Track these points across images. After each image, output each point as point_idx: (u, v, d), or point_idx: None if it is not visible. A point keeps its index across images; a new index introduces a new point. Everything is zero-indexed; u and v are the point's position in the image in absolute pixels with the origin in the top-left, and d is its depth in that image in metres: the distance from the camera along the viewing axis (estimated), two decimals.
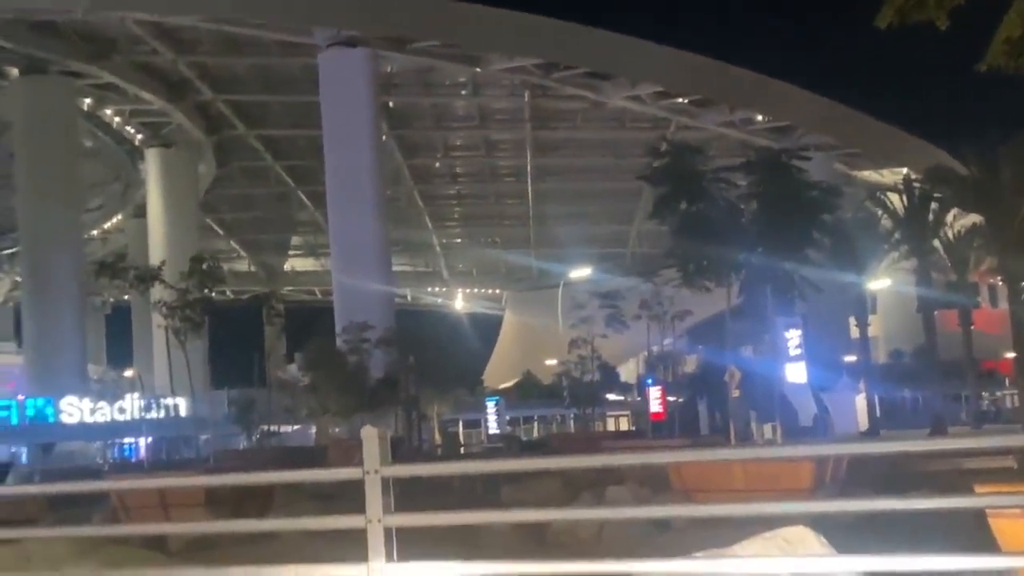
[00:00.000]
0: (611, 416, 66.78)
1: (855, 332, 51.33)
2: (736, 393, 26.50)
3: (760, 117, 68.50)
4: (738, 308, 24.12)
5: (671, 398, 46.59)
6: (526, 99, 71.87)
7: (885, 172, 69.11)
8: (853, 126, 65.60)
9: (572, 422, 59.18)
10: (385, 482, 5.83)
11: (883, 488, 14.30)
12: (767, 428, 26.75)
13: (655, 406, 43.68)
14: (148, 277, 31.55)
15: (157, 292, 33.71)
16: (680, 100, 68.85)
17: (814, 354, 48.01)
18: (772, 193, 20.31)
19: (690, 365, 53.40)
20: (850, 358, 54.34)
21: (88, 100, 69.45)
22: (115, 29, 62.16)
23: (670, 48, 64.03)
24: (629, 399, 68.53)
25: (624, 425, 66.79)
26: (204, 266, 31.14)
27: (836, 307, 50.70)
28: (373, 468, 5.86)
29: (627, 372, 73.69)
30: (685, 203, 20.32)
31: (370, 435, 5.91)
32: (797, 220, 20.31)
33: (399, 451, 31.41)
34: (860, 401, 51.01)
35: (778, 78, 64.91)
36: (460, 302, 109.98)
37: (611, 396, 63.47)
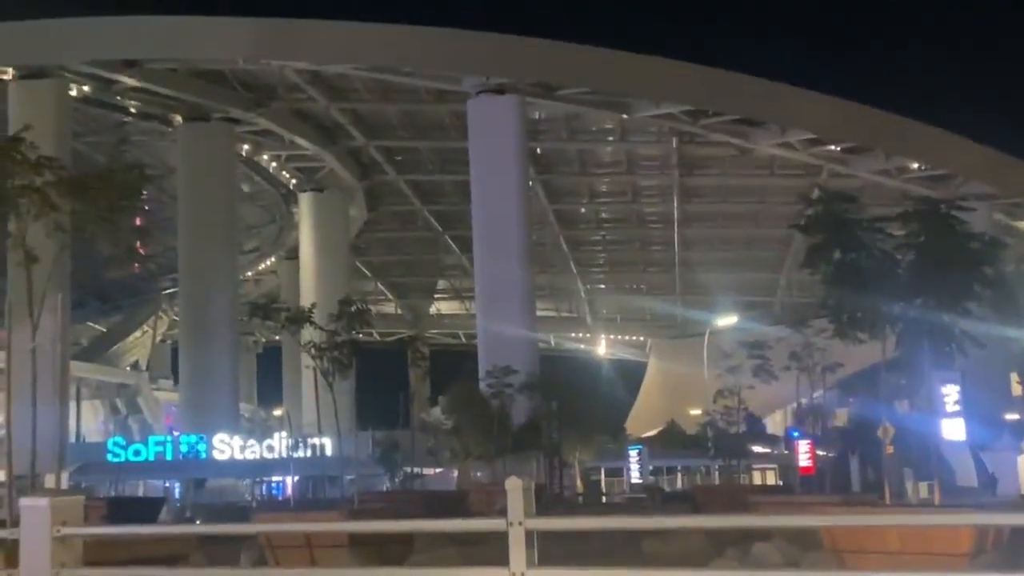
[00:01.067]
0: (757, 469, 65.24)
1: (1018, 389, 49.17)
2: (890, 449, 25.55)
3: (916, 165, 66.64)
4: (893, 361, 23.27)
5: (820, 452, 45.27)
6: (673, 145, 71.50)
7: None
8: (1015, 175, 63.24)
9: (717, 473, 58.03)
10: (529, 535, 5.70)
11: None
12: (923, 486, 25.69)
13: (804, 460, 42.47)
14: (299, 319, 32.26)
15: (307, 333, 34.38)
16: (832, 147, 67.53)
17: (973, 411, 46.20)
18: (931, 244, 19.58)
19: (840, 419, 51.87)
20: (1012, 416, 51.97)
21: (246, 146, 71.80)
22: (273, 77, 64.25)
23: (821, 94, 62.98)
24: (776, 452, 66.88)
25: (771, 478, 65.15)
26: (353, 308, 31.67)
27: (997, 362, 48.74)
28: (517, 520, 5.74)
29: (774, 424, 72.08)
30: (839, 252, 19.74)
31: (515, 486, 5.79)
32: (957, 272, 19.51)
33: (540, 498, 31.20)
34: (1022, 461, 48.70)
35: (936, 125, 63.16)
36: (603, 348, 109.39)
37: (757, 448, 62.07)
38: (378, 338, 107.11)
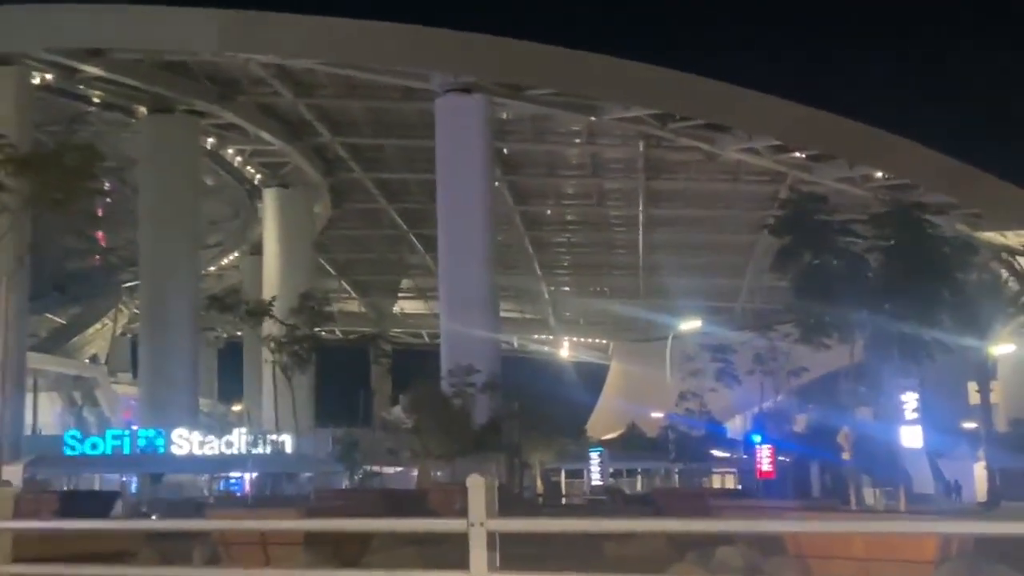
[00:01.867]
0: (717, 473, 65.39)
1: (975, 398, 49.53)
2: (847, 455, 25.57)
3: (880, 174, 67.01)
4: (856, 367, 23.28)
5: (780, 457, 45.37)
6: (640, 149, 71.52)
7: (1009, 234, 66.90)
8: (977, 186, 63.73)
9: (677, 477, 58.09)
10: (491, 536, 5.46)
11: (1017, 563, 13.40)
12: (879, 492, 25.71)
13: (765, 465, 42.55)
14: (259, 312, 31.94)
15: (269, 328, 34.00)
16: (797, 154, 67.81)
17: (931, 419, 46.49)
18: (902, 247, 19.53)
19: (801, 424, 52.04)
20: (969, 424, 52.35)
21: (211, 139, 71.14)
22: (239, 71, 63.69)
23: (787, 101, 63.17)
24: (736, 456, 67.07)
25: (730, 482, 65.31)
26: (312, 304, 31.38)
27: (955, 371, 49.00)
28: (479, 520, 5.49)
29: (734, 428, 72.20)
30: (808, 255, 19.66)
31: (476, 484, 5.55)
32: (927, 277, 19.47)
33: (500, 498, 31.05)
34: (979, 470, 49.05)
35: (900, 134, 63.53)
36: (566, 351, 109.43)
37: (718, 452, 62.17)
38: (341, 336, 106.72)
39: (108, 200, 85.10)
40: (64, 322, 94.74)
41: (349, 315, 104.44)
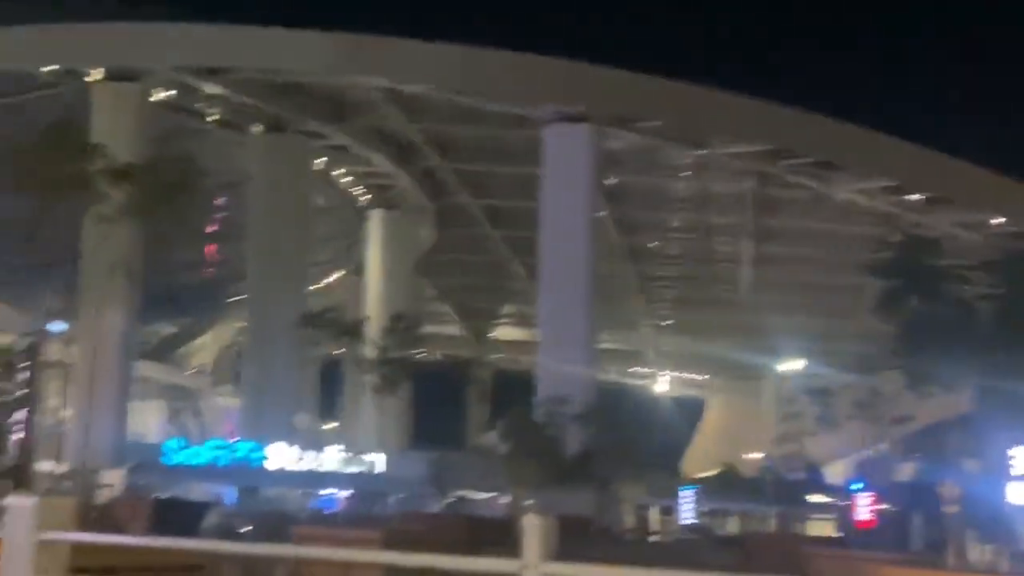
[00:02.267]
0: (815, 519, 63.81)
1: None
2: (954, 509, 24.68)
3: (997, 220, 65.09)
4: (964, 418, 22.46)
5: (881, 506, 44.04)
6: (750, 185, 70.58)
7: None
8: None
9: (773, 521, 56.85)
10: None
11: None
12: (986, 549, 24.70)
13: (864, 513, 41.32)
14: (351, 331, 32.13)
15: (361, 349, 34.18)
16: (911, 196, 66.23)
17: None
18: (1016, 297, 18.75)
19: (904, 473, 50.54)
20: None
21: (322, 159, 72.25)
22: (352, 93, 64.63)
23: (904, 142, 61.85)
24: (835, 502, 65.44)
25: (829, 529, 63.70)
26: (404, 326, 31.47)
27: None
28: (533, 563, 5.22)
29: (834, 473, 70.47)
30: (916, 300, 18.97)
31: (532, 524, 5.29)
32: None
33: (587, 531, 30.63)
34: None
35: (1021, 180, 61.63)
36: (665, 385, 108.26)
37: (816, 498, 60.74)
38: (440, 359, 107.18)
39: (220, 215, 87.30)
40: (174, 332, 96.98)
41: (449, 339, 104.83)
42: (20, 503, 5.57)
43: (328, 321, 32.84)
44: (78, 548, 6.03)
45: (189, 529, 23.15)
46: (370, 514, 46.79)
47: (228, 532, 25.35)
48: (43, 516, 5.46)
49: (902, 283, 18.40)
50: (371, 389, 30.71)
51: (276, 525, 29.13)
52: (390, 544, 13.88)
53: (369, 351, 30.95)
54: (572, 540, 25.80)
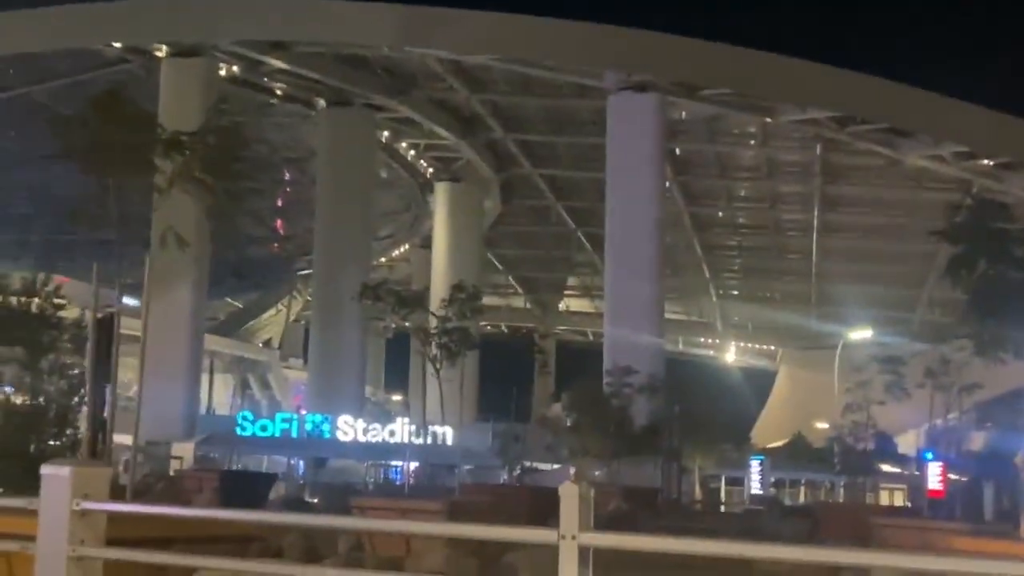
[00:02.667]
0: (884, 488, 63.11)
1: None
2: None
3: None
4: None
5: (952, 476, 43.42)
6: (817, 152, 69.61)
7: None
8: None
9: (842, 490, 56.27)
10: (583, 552, 5.03)
11: None
12: None
13: (934, 483, 40.76)
14: (410, 303, 32.12)
15: (421, 320, 34.22)
16: (986, 162, 64.82)
17: None
18: None
19: (977, 443, 49.75)
20: None
21: (386, 132, 72.46)
22: (415, 65, 64.63)
23: (976, 106, 60.43)
24: (906, 472, 64.64)
25: (899, 499, 62.98)
26: (463, 296, 31.40)
27: None
28: (570, 533, 5.06)
29: (906, 443, 69.60)
30: (985, 264, 18.52)
31: (569, 493, 5.13)
32: None
33: (653, 502, 30.53)
34: None
35: None
36: (732, 355, 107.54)
37: (886, 467, 59.99)
38: (506, 331, 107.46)
39: (288, 190, 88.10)
40: (241, 306, 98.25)
41: (515, 311, 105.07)
42: (57, 472, 5.58)
43: (387, 292, 32.72)
44: (129, 519, 6.09)
45: (255, 500, 23.48)
46: (436, 486, 47.09)
47: (295, 503, 25.69)
48: (80, 485, 5.48)
49: (971, 247, 17.94)
50: (430, 360, 30.69)
51: (341, 496, 29.44)
52: (453, 515, 13.90)
53: (429, 322, 30.92)
54: (639, 511, 25.77)
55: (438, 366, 31.61)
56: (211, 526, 6.97)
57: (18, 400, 19.73)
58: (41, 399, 18.98)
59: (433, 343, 30.64)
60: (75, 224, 18.63)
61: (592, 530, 5.16)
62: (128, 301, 72.99)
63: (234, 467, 55.62)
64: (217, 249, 75.45)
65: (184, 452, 51.03)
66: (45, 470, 5.63)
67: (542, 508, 22.32)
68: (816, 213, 78.74)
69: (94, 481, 5.57)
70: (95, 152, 16.01)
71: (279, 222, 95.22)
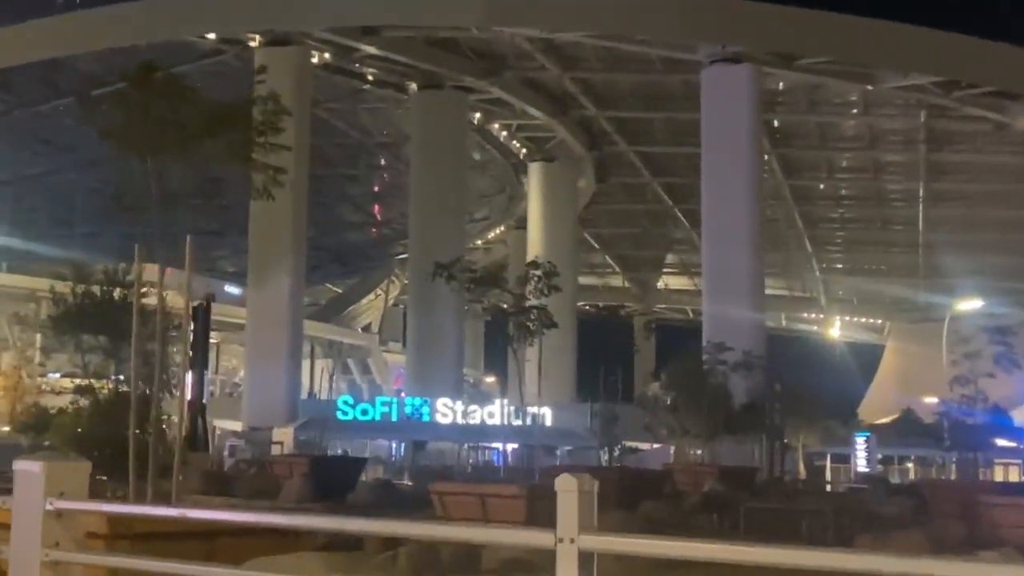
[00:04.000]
0: (999, 464, 61.18)
1: None
2: None
3: None
4: None
5: None
6: (921, 119, 67.59)
7: None
8: None
9: (953, 467, 54.62)
10: (584, 557, 4.39)
11: None
12: None
13: None
14: (485, 281, 31.64)
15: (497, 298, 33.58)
16: None
17: None
18: None
19: None
20: None
21: (478, 114, 72.25)
22: (505, 46, 64.23)
23: None
24: (1022, 447, 62.55)
25: (1015, 475, 60.99)
26: (540, 272, 30.85)
27: None
28: (568, 536, 4.41)
29: (1021, 417, 67.39)
30: None
31: (567, 488, 4.49)
32: None
33: (751, 482, 29.77)
34: None
35: None
36: (838, 330, 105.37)
37: (1001, 442, 58.06)
38: (605, 311, 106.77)
39: (383, 175, 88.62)
40: (340, 292, 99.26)
41: (614, 290, 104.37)
42: (29, 468, 5.21)
43: (460, 271, 32.27)
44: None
45: (345, 484, 23.44)
46: (532, 468, 46.78)
47: (384, 487, 25.58)
48: (55, 483, 5.12)
49: None
50: (508, 340, 30.40)
51: (436, 479, 29.25)
52: (532, 500, 13.48)
53: (508, 300, 30.57)
54: (735, 491, 25.07)
55: (514, 347, 31.23)
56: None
57: (103, 388, 19.78)
58: (124, 386, 18.99)
59: (511, 322, 30.22)
60: (121, 209, 18.11)
61: (596, 531, 4.53)
62: (231, 289, 74.20)
63: (335, 452, 56.08)
64: (319, 236, 76.35)
65: (285, 437, 51.59)
66: (18, 465, 5.28)
67: (633, 488, 21.85)
68: (922, 182, 76.62)
69: (71, 477, 5.21)
70: (132, 130, 15.74)
71: (376, 207, 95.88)
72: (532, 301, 30.85)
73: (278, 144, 16.18)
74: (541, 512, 12.70)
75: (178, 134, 15.40)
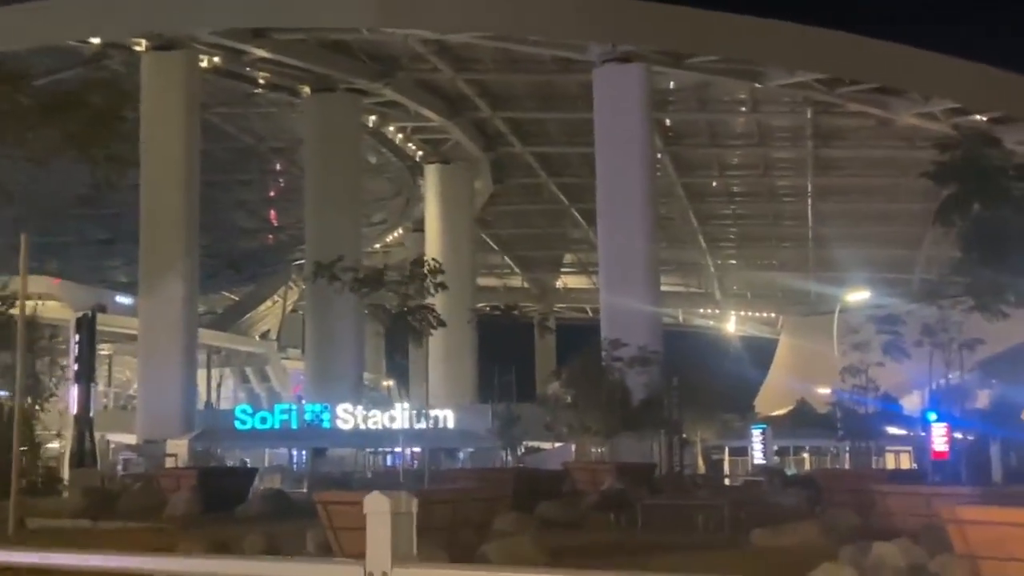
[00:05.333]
0: (891, 451, 62.67)
1: None
2: None
3: None
4: None
5: (958, 436, 42.85)
6: (808, 116, 68.97)
7: None
8: None
9: (847, 456, 55.80)
10: None
11: None
12: None
13: (939, 445, 40.22)
14: (368, 281, 31.25)
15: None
16: (978, 117, 64.12)
17: None
18: None
19: (982, 400, 49.13)
20: None
21: (373, 117, 71.74)
22: (398, 48, 63.89)
23: (968, 61, 59.77)
24: (912, 434, 64.14)
25: (906, 462, 62.51)
26: (424, 269, 30.61)
27: None
28: (380, 568, 3.76)
29: (910, 404, 69.13)
30: (978, 205, 17.61)
31: (378, 510, 3.80)
32: None
33: (650, 478, 30.02)
34: None
35: None
36: (733, 325, 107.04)
37: (892, 430, 59.46)
38: (504, 311, 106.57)
39: (278, 180, 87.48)
40: (238, 299, 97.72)
41: (512, 291, 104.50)
42: None
43: (342, 271, 31.84)
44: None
45: (236, 497, 22.96)
46: (431, 472, 46.50)
47: (274, 497, 25.09)
48: None
49: (962, 188, 17.05)
50: (384, 338, 30.39)
51: (336, 486, 28.90)
52: (421, 506, 13.28)
53: (389, 300, 30.30)
54: (634, 488, 25.22)
55: (408, 348, 30.97)
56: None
57: None
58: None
59: (395, 323, 29.95)
60: None
61: (413, 562, 3.85)
62: (123, 299, 72.23)
63: (233, 463, 55.16)
64: (213, 243, 74.84)
65: (180, 449, 50.55)
66: None
67: (530, 490, 21.82)
68: (810, 177, 78.21)
69: None
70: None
71: (272, 213, 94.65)
72: (419, 300, 30.56)
73: (116, 133, 15.55)
74: (429, 518, 12.56)
75: (8, 122, 14.74)
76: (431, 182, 79.47)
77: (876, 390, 44.00)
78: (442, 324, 32.31)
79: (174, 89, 59.76)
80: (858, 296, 66.29)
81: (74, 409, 26.81)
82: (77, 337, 31.03)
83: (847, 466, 53.46)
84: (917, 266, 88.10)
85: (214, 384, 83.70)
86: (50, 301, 61.54)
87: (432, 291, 30.67)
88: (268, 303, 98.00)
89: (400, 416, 60.00)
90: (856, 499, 22.09)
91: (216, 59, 62.58)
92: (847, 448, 53.40)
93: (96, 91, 16.02)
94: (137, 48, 60.18)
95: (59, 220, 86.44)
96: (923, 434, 55.36)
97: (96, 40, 59.32)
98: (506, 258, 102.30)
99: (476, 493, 18.72)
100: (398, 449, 59.63)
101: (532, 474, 28.52)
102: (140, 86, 59.51)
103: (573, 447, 50.22)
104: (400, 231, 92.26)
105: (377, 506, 3.73)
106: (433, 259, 32.86)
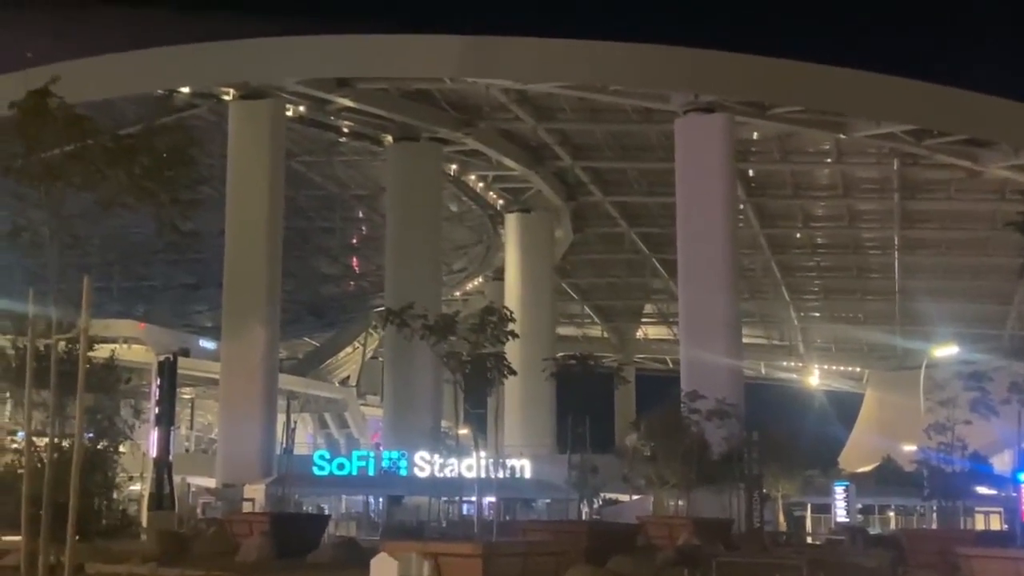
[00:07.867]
0: (980, 511, 60.74)
1: None
2: None
3: None
4: None
5: None
6: (894, 167, 67.88)
7: None
8: None
9: (934, 516, 54.18)
10: None
11: None
12: None
13: None
14: (440, 328, 30.98)
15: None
16: None
17: None
18: None
19: None
20: None
21: (454, 166, 72.26)
22: (480, 97, 64.38)
23: None
24: (1003, 494, 62.15)
25: (996, 523, 60.54)
26: (495, 317, 30.36)
27: None
28: None
29: (1001, 464, 67.08)
30: None
31: (385, 570, 3.63)
32: None
33: (727, 534, 29.35)
34: None
35: None
36: (817, 378, 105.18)
37: (981, 489, 57.70)
38: (583, 361, 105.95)
39: (360, 228, 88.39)
40: (318, 345, 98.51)
41: (592, 340, 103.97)
42: None
43: (412, 317, 31.60)
44: None
45: (308, 543, 22.88)
46: (507, 522, 46.17)
47: (346, 545, 24.95)
48: None
49: None
50: (460, 388, 30.11)
51: (411, 535, 28.72)
52: (490, 558, 13.07)
53: (460, 347, 30.15)
54: (711, 544, 24.68)
55: (463, 391, 30.75)
56: None
57: (42, 445, 19.00)
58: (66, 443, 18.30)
59: (465, 371, 29.76)
60: (14, 245, 17.16)
61: None
62: (206, 344, 73.15)
63: (310, 508, 55.26)
64: (295, 291, 75.54)
65: (257, 493, 50.79)
66: None
67: (603, 544, 21.39)
68: (896, 229, 76.85)
69: None
70: (29, 161, 15.19)
71: (353, 259, 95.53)
72: (491, 348, 30.38)
73: (184, 177, 15.56)
74: (498, 570, 12.31)
75: (76, 165, 14.86)
76: (511, 230, 79.64)
77: (964, 448, 42.73)
78: (512, 372, 32.08)
79: (260, 137, 60.83)
80: (946, 351, 64.71)
81: (154, 452, 27.07)
82: (158, 381, 31.44)
83: (934, 526, 51.90)
84: (1008, 321, 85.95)
85: (302, 429, 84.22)
86: (136, 345, 62.54)
87: (503, 339, 30.46)
88: (348, 349, 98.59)
89: (476, 465, 59.73)
90: (941, 560, 21.31)
91: (301, 108, 63.65)
92: (934, 507, 51.86)
93: (162, 135, 16.12)
94: (225, 97, 61.43)
95: (147, 265, 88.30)
96: (1014, 495, 53.64)
97: (185, 89, 60.68)
98: (586, 307, 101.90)
99: (548, 546, 18.38)
100: (474, 498, 59.42)
101: (606, 527, 28.00)
102: (226, 133, 60.77)
103: (651, 499, 49.47)
104: (480, 279, 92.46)
105: (384, 566, 3.51)
106: (505, 307, 32.66)
